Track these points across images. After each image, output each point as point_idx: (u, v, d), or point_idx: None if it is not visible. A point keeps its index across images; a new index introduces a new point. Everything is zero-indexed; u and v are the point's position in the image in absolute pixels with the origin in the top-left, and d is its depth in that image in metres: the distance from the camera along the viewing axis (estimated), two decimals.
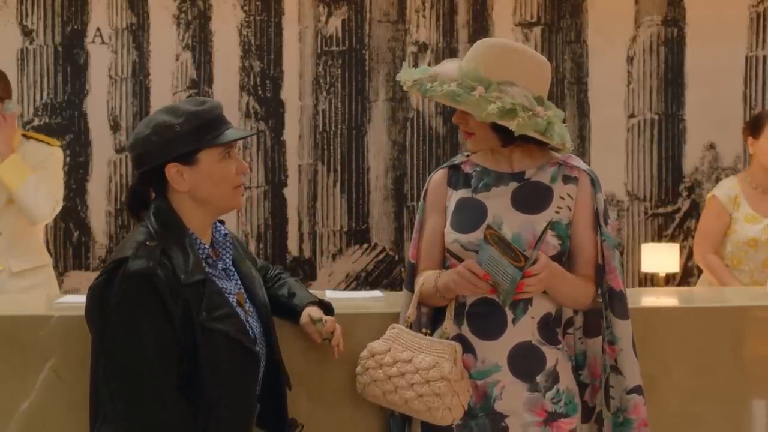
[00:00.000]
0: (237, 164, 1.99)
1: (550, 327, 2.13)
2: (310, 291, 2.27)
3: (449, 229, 2.15)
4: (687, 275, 4.78)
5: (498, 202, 2.13)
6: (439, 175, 2.24)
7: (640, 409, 2.16)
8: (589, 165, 2.37)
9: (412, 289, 2.20)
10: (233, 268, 2.08)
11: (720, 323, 2.47)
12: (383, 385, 2.08)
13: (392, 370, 2.07)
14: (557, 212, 2.12)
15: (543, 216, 2.10)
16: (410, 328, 2.14)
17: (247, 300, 2.05)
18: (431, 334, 2.13)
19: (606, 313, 2.16)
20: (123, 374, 1.84)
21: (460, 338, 2.12)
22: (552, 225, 2.09)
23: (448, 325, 2.11)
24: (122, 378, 1.85)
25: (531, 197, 2.13)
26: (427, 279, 2.14)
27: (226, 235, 2.08)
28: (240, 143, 4.51)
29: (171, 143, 1.92)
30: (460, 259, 2.12)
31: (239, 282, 2.07)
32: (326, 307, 2.21)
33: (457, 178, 2.21)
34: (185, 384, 1.87)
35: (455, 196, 2.19)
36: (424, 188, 2.26)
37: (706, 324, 2.46)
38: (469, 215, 2.14)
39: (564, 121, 2.14)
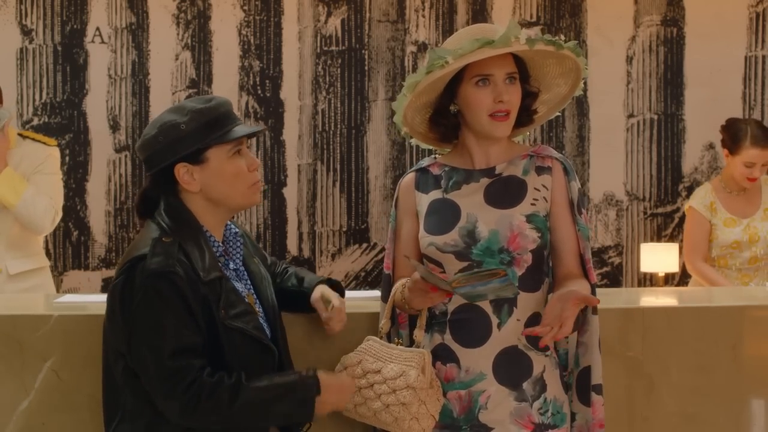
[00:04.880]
0: (248, 161, 1.96)
1: (537, 326, 2.06)
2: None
3: (423, 233, 2.10)
4: (686, 275, 4.77)
5: (471, 200, 2.07)
6: (407, 180, 2.20)
7: (597, 409, 2.11)
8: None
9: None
10: (243, 269, 2.06)
11: (719, 323, 2.47)
12: (354, 398, 2.02)
13: (362, 381, 2.01)
14: (533, 204, 2.06)
15: (519, 209, 2.05)
16: (387, 339, 2.09)
17: (257, 301, 2.04)
18: (404, 344, 2.08)
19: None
20: (147, 372, 1.85)
21: (442, 347, 2.07)
22: (529, 217, 2.05)
23: (419, 333, 2.05)
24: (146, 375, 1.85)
25: (505, 192, 2.07)
26: (397, 288, 2.09)
27: (236, 233, 2.05)
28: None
29: (177, 143, 1.89)
30: (438, 263, 2.08)
31: (249, 283, 2.05)
32: (336, 286, 2.20)
33: (426, 180, 2.16)
34: None
35: (425, 199, 2.14)
36: (395, 195, 2.21)
37: (705, 324, 2.47)
38: (443, 216, 2.09)
39: None
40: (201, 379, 1.82)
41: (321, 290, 2.14)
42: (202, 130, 1.90)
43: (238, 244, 2.05)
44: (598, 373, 2.11)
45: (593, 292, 2.07)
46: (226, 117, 1.94)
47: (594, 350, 2.11)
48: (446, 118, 2.13)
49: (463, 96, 2.06)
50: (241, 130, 1.95)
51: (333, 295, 2.12)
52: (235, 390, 1.83)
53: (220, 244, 1.98)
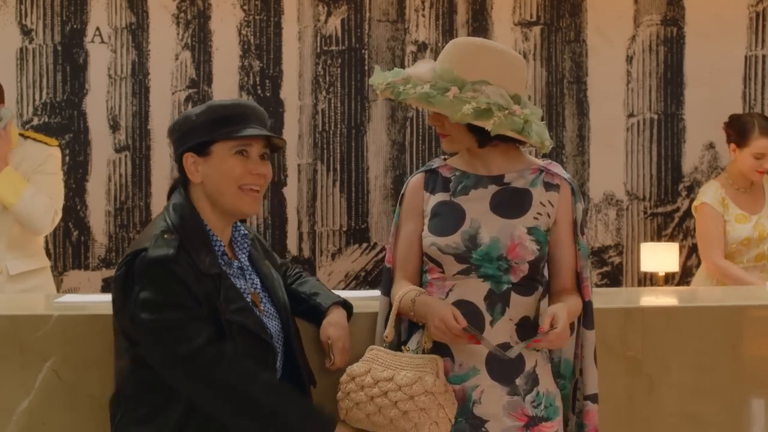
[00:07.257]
0: (251, 164, 2.00)
1: (528, 328, 2.10)
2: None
3: (426, 232, 2.13)
4: (686, 274, 4.78)
5: (477, 206, 2.11)
6: (416, 180, 2.21)
7: (592, 416, 2.17)
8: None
9: (388, 294, 2.17)
10: (251, 268, 2.10)
11: (719, 323, 2.47)
12: (366, 408, 2.03)
13: (374, 390, 2.02)
14: (536, 218, 2.10)
15: (522, 221, 2.09)
16: (391, 346, 2.11)
17: (264, 300, 2.07)
18: (411, 350, 2.10)
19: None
20: (162, 329, 1.86)
21: (436, 343, 2.08)
22: (531, 230, 2.09)
23: (425, 338, 2.07)
24: (163, 332, 1.87)
25: (510, 201, 2.11)
26: (405, 298, 2.09)
27: (245, 235, 2.11)
28: None
29: (188, 133, 2.00)
30: (438, 263, 2.11)
31: (256, 282, 2.09)
32: (348, 308, 2.23)
33: (435, 182, 2.18)
34: None
35: (433, 200, 2.16)
36: (401, 193, 2.23)
37: (705, 323, 2.47)
38: (447, 218, 2.12)
39: (542, 119, 2.12)
40: (213, 347, 1.88)
41: (330, 330, 2.14)
42: (210, 124, 1.99)
43: (245, 244, 2.11)
44: (593, 383, 2.17)
45: (588, 309, 2.15)
46: (242, 117, 2.00)
47: (589, 362, 2.17)
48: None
49: None
50: (249, 131, 1.99)
51: (337, 348, 2.12)
52: (252, 375, 1.89)
53: (222, 244, 2.02)
